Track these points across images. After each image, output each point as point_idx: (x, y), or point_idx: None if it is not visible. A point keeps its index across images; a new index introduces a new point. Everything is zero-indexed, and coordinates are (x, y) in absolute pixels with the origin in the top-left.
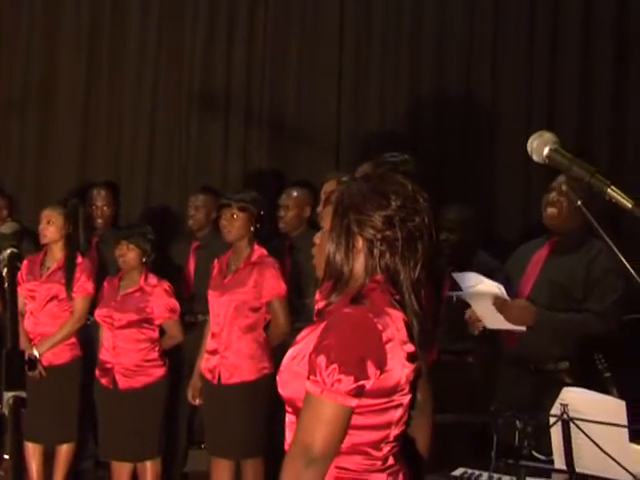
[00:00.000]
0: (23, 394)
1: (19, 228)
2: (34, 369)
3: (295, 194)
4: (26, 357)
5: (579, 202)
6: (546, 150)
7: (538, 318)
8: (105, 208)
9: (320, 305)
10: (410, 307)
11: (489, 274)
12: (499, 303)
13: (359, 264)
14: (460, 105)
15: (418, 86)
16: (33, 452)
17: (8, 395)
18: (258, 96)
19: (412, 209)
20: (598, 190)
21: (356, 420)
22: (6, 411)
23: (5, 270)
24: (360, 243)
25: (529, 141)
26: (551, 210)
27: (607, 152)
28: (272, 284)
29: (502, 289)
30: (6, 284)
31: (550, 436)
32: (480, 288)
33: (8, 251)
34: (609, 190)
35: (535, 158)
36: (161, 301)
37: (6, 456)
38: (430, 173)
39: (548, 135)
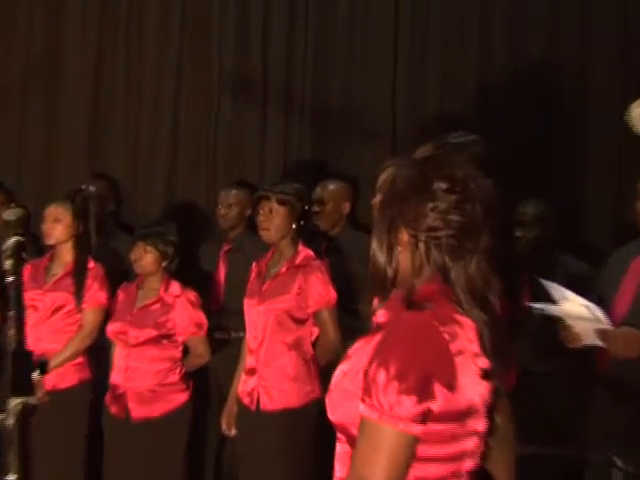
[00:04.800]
0: (33, 400)
1: (24, 214)
2: (45, 372)
3: (331, 187)
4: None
5: None
6: None
7: None
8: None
9: (379, 317)
10: (470, 310)
11: (576, 283)
12: (600, 334)
13: (406, 263)
14: (539, 82)
15: (488, 60)
16: None
17: (16, 402)
18: (300, 76)
19: (461, 196)
20: None
21: (421, 450)
22: (11, 421)
23: (9, 262)
24: (405, 238)
25: (629, 110)
26: None
27: None
28: (319, 291)
29: (594, 309)
30: (10, 278)
31: None
32: (565, 308)
33: (12, 240)
34: None
35: (636, 129)
36: (185, 314)
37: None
38: (503, 161)
39: None
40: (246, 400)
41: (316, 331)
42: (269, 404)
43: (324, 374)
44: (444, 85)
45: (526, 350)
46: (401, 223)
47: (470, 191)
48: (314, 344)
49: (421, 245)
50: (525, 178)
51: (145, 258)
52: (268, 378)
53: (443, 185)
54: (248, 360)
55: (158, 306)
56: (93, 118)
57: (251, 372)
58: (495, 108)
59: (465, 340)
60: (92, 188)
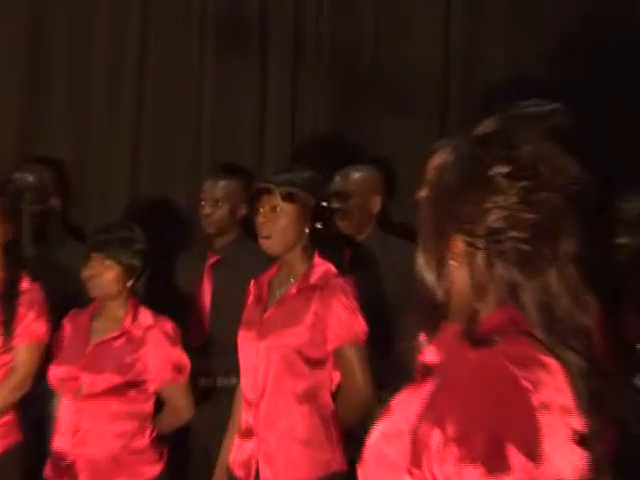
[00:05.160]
0: None
1: None
2: None
3: (357, 176)
4: None
5: None
6: None
7: None
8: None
9: (429, 357)
10: (556, 348)
11: None
12: None
13: (462, 281)
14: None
15: (568, 7)
16: None
17: None
18: (314, 25)
19: (531, 183)
20: None
21: None
22: None
23: None
24: (460, 247)
25: None
26: None
27: None
28: (343, 320)
29: None
30: None
31: None
32: None
33: None
34: None
35: None
36: (159, 352)
37: None
38: (596, 140)
39: None
40: (240, 472)
41: (338, 376)
42: (272, 478)
43: (350, 436)
44: (512, 41)
45: (630, 404)
46: (453, 227)
47: (542, 176)
48: (335, 395)
49: (480, 255)
50: (629, 164)
51: (103, 275)
52: (271, 442)
53: (504, 169)
54: (244, 417)
55: (122, 342)
56: (27, 79)
57: (248, 434)
58: (585, 70)
59: (553, 390)
60: (28, 178)
